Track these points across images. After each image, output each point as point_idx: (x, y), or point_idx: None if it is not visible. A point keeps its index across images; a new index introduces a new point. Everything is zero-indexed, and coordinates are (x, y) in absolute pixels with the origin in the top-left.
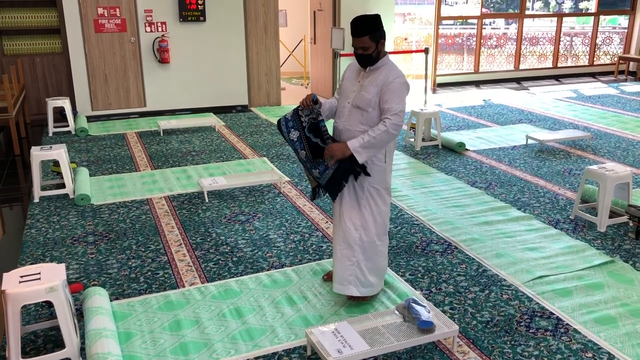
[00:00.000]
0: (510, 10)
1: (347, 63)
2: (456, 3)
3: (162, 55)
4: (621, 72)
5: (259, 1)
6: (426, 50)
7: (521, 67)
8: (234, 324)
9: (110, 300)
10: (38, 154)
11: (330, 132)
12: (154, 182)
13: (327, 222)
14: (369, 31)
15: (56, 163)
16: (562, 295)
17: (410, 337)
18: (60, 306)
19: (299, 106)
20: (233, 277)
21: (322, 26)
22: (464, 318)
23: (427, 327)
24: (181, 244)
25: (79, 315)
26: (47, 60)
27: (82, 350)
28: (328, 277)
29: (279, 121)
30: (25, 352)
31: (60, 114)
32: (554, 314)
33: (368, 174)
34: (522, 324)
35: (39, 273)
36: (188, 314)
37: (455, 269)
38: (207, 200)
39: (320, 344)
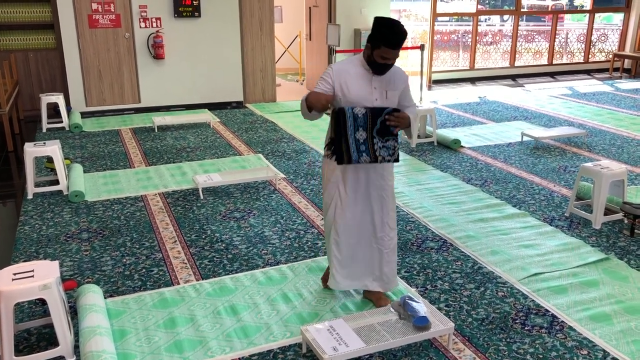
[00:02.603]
0: (506, 7)
1: (343, 59)
2: (452, 0)
3: (156, 51)
4: (616, 70)
5: None
6: (422, 47)
7: (516, 64)
8: (229, 321)
9: (105, 298)
10: (31, 150)
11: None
12: (149, 179)
13: (322, 218)
14: None
15: (50, 159)
16: (557, 293)
17: (405, 335)
18: (53, 304)
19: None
20: (228, 274)
21: (318, 22)
22: (460, 315)
23: (422, 324)
24: (176, 241)
25: (73, 312)
26: (41, 55)
27: (76, 348)
28: (374, 298)
29: (342, 109)
30: (18, 350)
31: (54, 110)
32: (549, 311)
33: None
34: (517, 321)
35: (33, 270)
36: (183, 311)
37: (450, 266)
38: (202, 197)
39: (315, 341)
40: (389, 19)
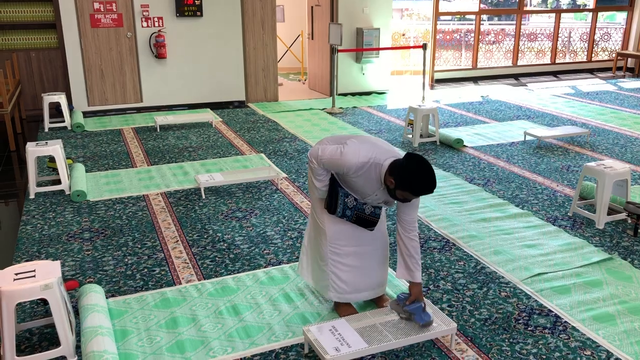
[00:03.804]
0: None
1: (344, 59)
2: None
3: (158, 50)
4: (619, 69)
5: None
6: (424, 46)
7: (519, 63)
8: (231, 321)
9: (106, 298)
10: (34, 150)
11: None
12: (151, 178)
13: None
14: None
15: (52, 159)
16: (561, 293)
17: (408, 335)
18: (55, 304)
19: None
20: (230, 274)
21: (320, 22)
22: (462, 316)
23: (427, 320)
24: (178, 240)
25: (75, 312)
26: (43, 55)
27: (78, 348)
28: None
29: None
30: (20, 350)
31: (56, 110)
32: (553, 312)
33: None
34: (520, 321)
35: (34, 270)
36: (184, 311)
37: (453, 266)
38: (203, 197)
39: (317, 341)
40: (425, 168)
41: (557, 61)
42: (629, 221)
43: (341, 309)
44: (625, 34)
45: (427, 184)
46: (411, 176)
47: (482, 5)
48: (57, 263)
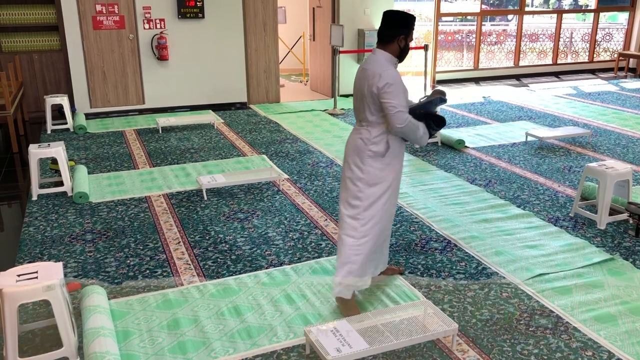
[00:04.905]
0: (510, 7)
1: (346, 60)
2: (455, 0)
3: (160, 52)
4: (621, 69)
5: None
6: (425, 47)
7: (521, 63)
8: (233, 322)
9: (108, 299)
10: (36, 152)
11: None
12: (153, 180)
13: (326, 219)
14: None
15: (54, 161)
16: (562, 293)
17: (409, 336)
18: (57, 305)
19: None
20: (232, 275)
21: (321, 23)
22: (464, 316)
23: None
24: (180, 242)
25: (77, 314)
26: (46, 57)
27: (80, 349)
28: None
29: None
30: (22, 351)
31: (58, 112)
32: (554, 312)
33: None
34: (521, 322)
35: (36, 272)
36: (186, 312)
37: (454, 267)
38: (205, 198)
39: (319, 342)
40: (397, 10)
41: (559, 62)
42: (631, 222)
43: (344, 307)
44: (627, 34)
45: (409, 13)
46: (404, 18)
47: (483, 6)
48: (60, 264)
